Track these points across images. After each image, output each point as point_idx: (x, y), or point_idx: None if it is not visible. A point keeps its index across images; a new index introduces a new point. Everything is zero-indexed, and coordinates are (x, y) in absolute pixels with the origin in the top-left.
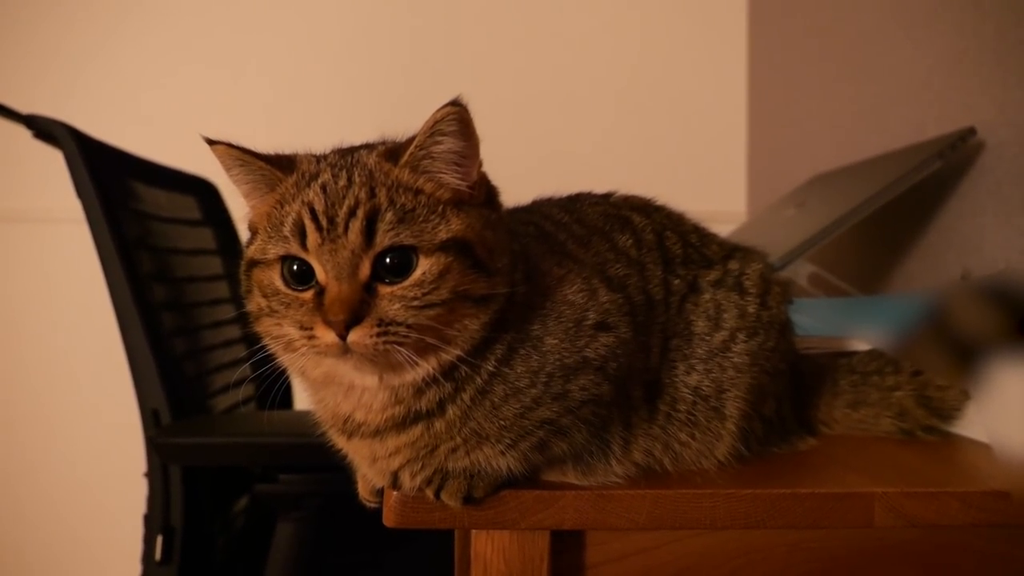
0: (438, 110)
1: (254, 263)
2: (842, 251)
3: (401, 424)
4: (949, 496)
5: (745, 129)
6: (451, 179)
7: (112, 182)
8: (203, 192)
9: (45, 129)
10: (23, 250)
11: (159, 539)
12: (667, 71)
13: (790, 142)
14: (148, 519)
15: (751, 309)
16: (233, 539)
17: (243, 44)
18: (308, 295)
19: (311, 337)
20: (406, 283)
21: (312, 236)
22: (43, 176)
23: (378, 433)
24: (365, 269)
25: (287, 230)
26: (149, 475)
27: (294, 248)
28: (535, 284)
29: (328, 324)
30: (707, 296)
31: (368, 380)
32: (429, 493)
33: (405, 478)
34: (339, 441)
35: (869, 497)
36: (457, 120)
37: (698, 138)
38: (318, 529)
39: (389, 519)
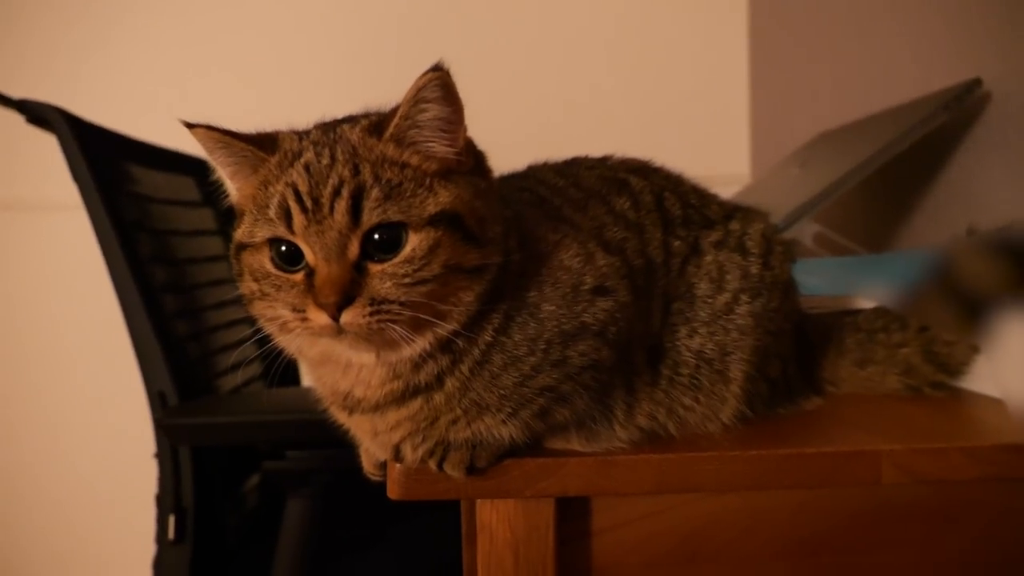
0: (420, 77)
1: (243, 246)
2: (847, 210)
3: (400, 398)
4: (956, 451)
5: (747, 89)
6: (438, 148)
7: (108, 165)
8: (201, 172)
9: (38, 114)
10: (24, 239)
11: (172, 519)
12: (666, 31)
13: (793, 101)
14: (160, 500)
15: (754, 270)
16: (245, 517)
17: (240, 23)
18: (298, 276)
19: (304, 319)
20: (396, 260)
21: (298, 218)
22: (42, 163)
23: (378, 408)
24: (354, 248)
25: (272, 212)
26: (159, 456)
27: (281, 231)
28: (530, 251)
29: (320, 306)
30: (709, 258)
31: (365, 357)
32: (432, 465)
33: (407, 451)
34: (340, 417)
35: (876, 455)
36: (440, 85)
37: (700, 100)
38: (327, 504)
39: (393, 492)
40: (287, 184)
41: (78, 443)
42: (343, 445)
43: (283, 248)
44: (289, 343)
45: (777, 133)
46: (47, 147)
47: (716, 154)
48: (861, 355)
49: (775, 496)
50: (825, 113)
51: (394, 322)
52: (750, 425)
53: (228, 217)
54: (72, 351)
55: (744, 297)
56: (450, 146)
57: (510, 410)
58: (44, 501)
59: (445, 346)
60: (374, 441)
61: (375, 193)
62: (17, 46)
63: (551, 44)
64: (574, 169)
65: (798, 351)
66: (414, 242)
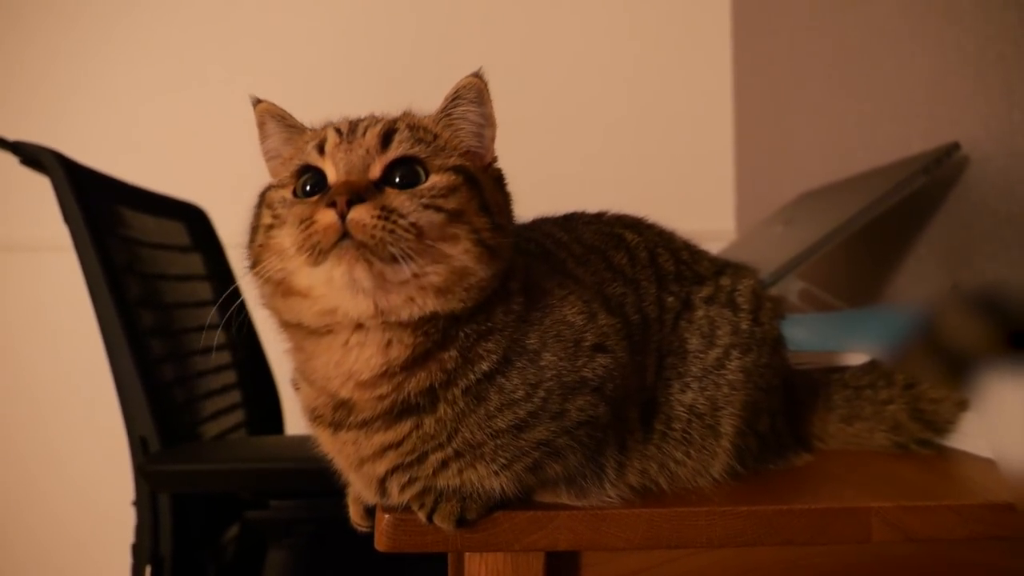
0: (461, 80)
1: (269, 188)
2: (832, 267)
3: (389, 413)
4: (946, 509)
5: (732, 148)
6: (467, 139)
7: (100, 208)
8: (192, 218)
9: (32, 156)
10: (14, 279)
11: (148, 569)
12: (653, 92)
13: (777, 160)
14: (136, 548)
15: (744, 325)
16: (223, 568)
17: (231, 68)
18: (315, 199)
19: (309, 225)
20: (415, 189)
21: (331, 140)
22: (34, 204)
23: (365, 425)
24: (376, 169)
25: (308, 148)
26: (137, 504)
27: (311, 157)
28: (534, 299)
29: (329, 206)
30: (700, 313)
31: (361, 303)
32: (421, 516)
33: (393, 488)
34: (324, 439)
35: (866, 512)
36: (475, 89)
37: (686, 158)
38: (310, 556)
39: (381, 543)
40: (330, 127)
41: (55, 488)
42: (327, 494)
43: (307, 183)
44: (277, 295)
45: (761, 191)
46: (39, 188)
47: (702, 211)
48: (849, 411)
49: (766, 553)
50: (808, 173)
51: (400, 239)
52: (741, 481)
53: (217, 263)
54: (57, 393)
55: (735, 352)
56: (477, 144)
57: (504, 461)
58: (17, 548)
59: (443, 341)
60: (359, 474)
61: (406, 135)
62: (1, 82)
63: (542, 102)
64: (573, 224)
65: (787, 407)
66: (435, 180)
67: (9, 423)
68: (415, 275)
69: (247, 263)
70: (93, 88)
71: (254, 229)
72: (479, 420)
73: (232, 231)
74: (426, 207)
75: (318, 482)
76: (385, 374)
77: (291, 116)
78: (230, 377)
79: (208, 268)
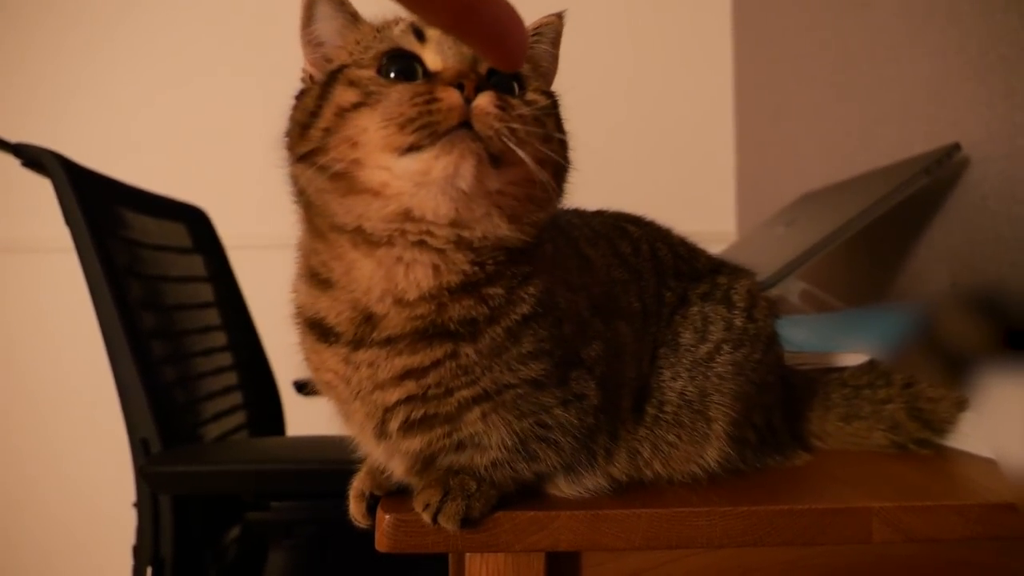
0: (543, 18)
1: (342, 68)
2: (833, 268)
3: (419, 334)
4: (947, 510)
5: (733, 149)
6: (542, 67)
7: (101, 210)
8: (193, 220)
9: (33, 158)
10: (15, 280)
11: (149, 571)
12: (655, 94)
13: (778, 161)
14: (137, 550)
15: (738, 322)
16: (224, 570)
17: (231, 69)
18: (418, 82)
19: (430, 101)
20: (520, 97)
21: (433, 30)
22: (35, 206)
23: (389, 343)
24: (484, 67)
25: (397, 32)
26: (138, 505)
27: (405, 42)
28: (559, 260)
29: (452, 85)
30: (695, 309)
31: (443, 207)
32: (426, 517)
33: (393, 423)
34: (333, 361)
35: (867, 512)
36: (555, 30)
37: (687, 160)
38: (311, 557)
39: (382, 544)
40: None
41: (56, 489)
42: (328, 496)
43: (391, 70)
44: (340, 191)
45: (762, 193)
46: (38, 189)
47: (703, 212)
48: (847, 410)
49: (767, 553)
50: (809, 174)
51: (515, 134)
52: (741, 479)
53: (219, 264)
54: (58, 394)
55: (726, 347)
56: (549, 73)
57: (518, 412)
58: (18, 549)
59: (495, 273)
60: (366, 401)
61: None
62: (1, 83)
63: None
64: (581, 213)
65: (784, 404)
66: (533, 96)
67: (9, 424)
68: (499, 192)
69: (293, 153)
70: (93, 89)
71: (314, 113)
72: (510, 360)
73: (233, 232)
74: (534, 117)
75: (319, 484)
76: (431, 296)
77: (351, 3)
78: (231, 379)
79: (209, 270)
